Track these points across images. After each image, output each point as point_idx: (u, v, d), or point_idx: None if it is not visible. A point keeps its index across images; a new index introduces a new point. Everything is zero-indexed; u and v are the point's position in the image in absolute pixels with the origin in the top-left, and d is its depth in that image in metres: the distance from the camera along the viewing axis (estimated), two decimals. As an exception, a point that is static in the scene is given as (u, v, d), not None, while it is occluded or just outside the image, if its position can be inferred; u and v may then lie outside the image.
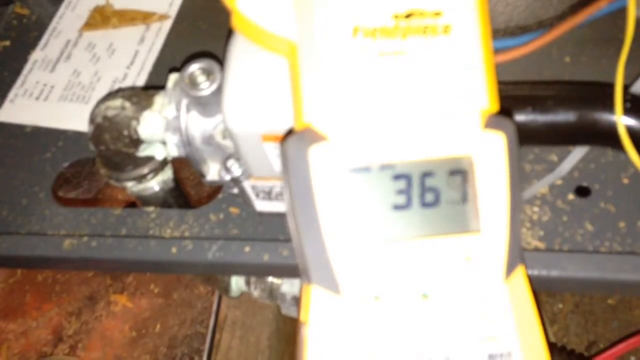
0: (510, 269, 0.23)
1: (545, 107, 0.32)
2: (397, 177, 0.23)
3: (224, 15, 0.51)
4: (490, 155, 0.23)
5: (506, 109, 0.25)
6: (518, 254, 0.24)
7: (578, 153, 0.34)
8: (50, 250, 0.40)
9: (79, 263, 0.40)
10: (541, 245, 0.36)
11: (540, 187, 0.37)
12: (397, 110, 0.23)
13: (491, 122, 0.24)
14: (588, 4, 0.31)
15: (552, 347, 0.57)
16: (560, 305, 0.70)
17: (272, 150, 0.31)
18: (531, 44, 0.32)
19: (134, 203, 0.46)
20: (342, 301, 0.23)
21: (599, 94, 0.31)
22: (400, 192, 0.23)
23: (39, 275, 0.74)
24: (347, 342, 0.23)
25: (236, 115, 0.29)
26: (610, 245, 0.35)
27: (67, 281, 0.74)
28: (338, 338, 0.23)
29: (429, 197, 0.23)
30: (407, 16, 0.24)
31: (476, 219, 0.23)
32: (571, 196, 0.37)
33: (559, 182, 0.37)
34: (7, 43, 0.54)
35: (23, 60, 0.52)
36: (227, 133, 0.31)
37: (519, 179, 0.24)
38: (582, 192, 0.37)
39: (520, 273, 0.24)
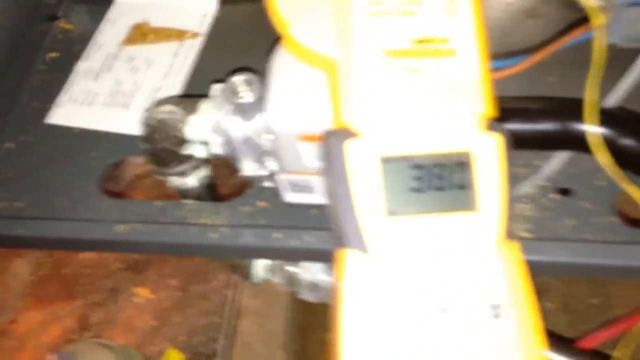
0: (501, 241, 0.29)
1: (531, 117, 0.38)
2: (414, 166, 0.29)
3: (248, 34, 0.58)
4: (488, 151, 0.29)
5: (500, 116, 0.31)
6: (508, 229, 0.30)
7: (559, 158, 0.40)
8: (103, 233, 0.45)
9: (129, 245, 0.45)
10: (529, 236, 0.41)
11: (528, 187, 0.42)
12: (415, 113, 0.29)
13: (490, 126, 0.30)
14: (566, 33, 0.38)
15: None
16: (549, 304, 0.77)
17: (305, 148, 0.36)
18: (520, 64, 0.38)
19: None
20: (369, 259, 0.28)
21: (574, 108, 0.37)
22: (416, 178, 0.29)
23: (65, 269, 0.79)
24: (374, 291, 0.28)
25: (279, 117, 0.35)
26: (586, 237, 0.40)
27: (92, 275, 0.78)
28: (367, 287, 0.28)
29: (439, 183, 0.29)
30: (422, 41, 0.30)
31: (475, 201, 0.29)
32: (554, 195, 0.42)
33: (545, 183, 0.42)
34: (55, 54, 0.59)
35: (69, 70, 0.57)
36: (268, 131, 0.37)
37: (510, 174, 0.30)
38: (564, 192, 0.42)
39: (510, 244, 0.30)
